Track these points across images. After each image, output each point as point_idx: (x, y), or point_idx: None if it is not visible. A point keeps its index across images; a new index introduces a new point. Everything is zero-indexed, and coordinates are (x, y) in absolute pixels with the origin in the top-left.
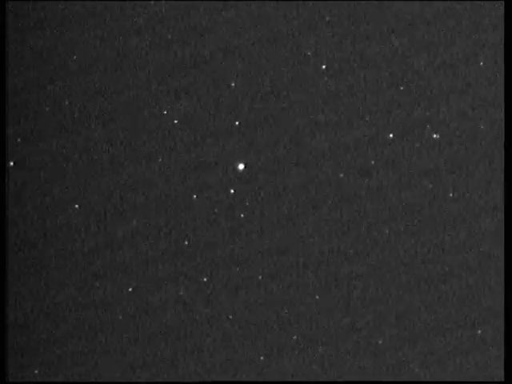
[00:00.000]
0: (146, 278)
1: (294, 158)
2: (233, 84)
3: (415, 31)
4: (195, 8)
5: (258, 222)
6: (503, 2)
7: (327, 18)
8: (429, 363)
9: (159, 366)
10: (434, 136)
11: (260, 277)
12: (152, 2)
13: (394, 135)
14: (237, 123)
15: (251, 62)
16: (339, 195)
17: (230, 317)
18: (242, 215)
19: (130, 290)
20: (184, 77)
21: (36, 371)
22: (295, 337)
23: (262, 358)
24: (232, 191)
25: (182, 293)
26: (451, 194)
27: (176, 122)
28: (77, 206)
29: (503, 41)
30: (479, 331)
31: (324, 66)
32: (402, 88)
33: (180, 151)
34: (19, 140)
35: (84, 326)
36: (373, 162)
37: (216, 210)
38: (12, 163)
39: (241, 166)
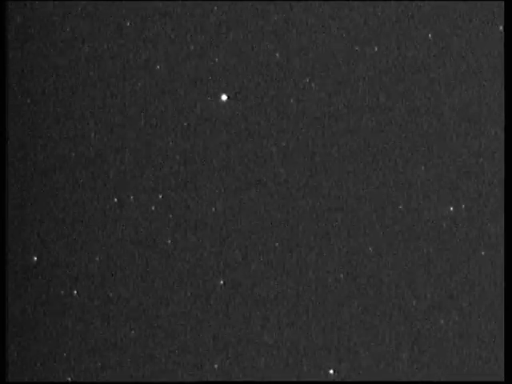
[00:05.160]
0: (144, 274)
1: (281, 91)
2: (221, 19)
3: (415, 31)
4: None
5: (241, 156)
6: (503, 2)
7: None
8: (429, 363)
9: (159, 366)
10: (433, 137)
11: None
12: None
13: (392, 135)
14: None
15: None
16: (328, 125)
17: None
18: (226, 148)
19: (130, 289)
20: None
21: (36, 371)
22: (294, 336)
23: (260, 358)
24: (215, 123)
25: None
26: (451, 197)
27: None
28: (76, 204)
29: (503, 41)
30: (479, 331)
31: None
32: (400, 88)
33: (164, 84)
34: (19, 140)
35: (84, 326)
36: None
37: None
38: (12, 164)
39: (224, 97)
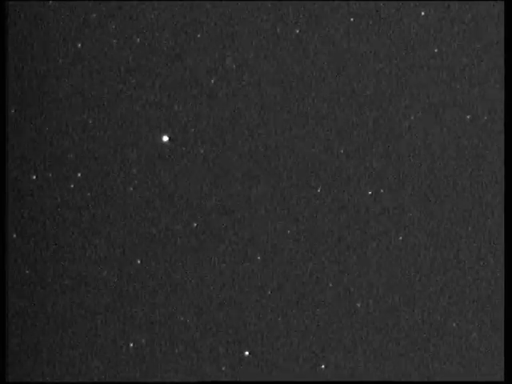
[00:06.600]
0: (142, 272)
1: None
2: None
3: (415, 31)
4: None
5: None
6: (503, 2)
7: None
8: (429, 363)
9: (159, 366)
10: (432, 138)
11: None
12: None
13: (389, 135)
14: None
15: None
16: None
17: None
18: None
19: (130, 289)
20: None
21: (36, 371)
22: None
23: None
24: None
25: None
26: (451, 199)
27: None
28: (75, 203)
29: (503, 41)
30: (479, 331)
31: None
32: (400, 88)
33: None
34: (18, 141)
35: (84, 326)
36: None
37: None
38: (12, 164)
39: (165, 139)
